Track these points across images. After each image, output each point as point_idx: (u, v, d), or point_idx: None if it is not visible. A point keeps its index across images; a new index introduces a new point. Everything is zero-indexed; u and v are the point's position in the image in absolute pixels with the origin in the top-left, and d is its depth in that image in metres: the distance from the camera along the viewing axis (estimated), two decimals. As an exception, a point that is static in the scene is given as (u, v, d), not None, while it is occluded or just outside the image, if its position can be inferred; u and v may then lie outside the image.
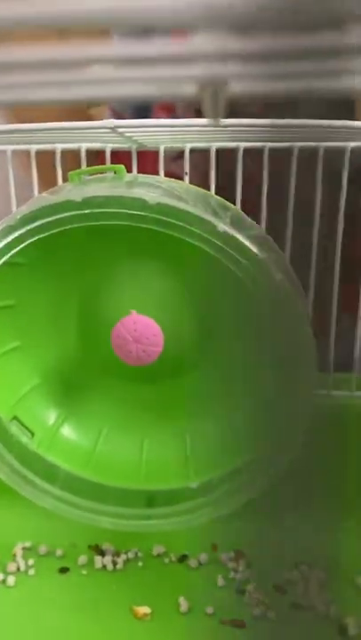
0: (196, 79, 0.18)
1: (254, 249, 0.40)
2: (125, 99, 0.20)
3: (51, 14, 0.18)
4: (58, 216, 0.41)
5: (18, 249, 0.42)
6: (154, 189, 0.42)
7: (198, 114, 0.72)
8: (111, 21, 0.19)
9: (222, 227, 0.40)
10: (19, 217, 0.41)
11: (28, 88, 0.22)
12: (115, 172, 0.44)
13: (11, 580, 0.52)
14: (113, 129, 0.43)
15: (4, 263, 0.43)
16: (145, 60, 0.19)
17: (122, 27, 0.19)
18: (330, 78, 0.18)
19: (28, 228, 0.41)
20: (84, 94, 0.22)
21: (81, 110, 0.86)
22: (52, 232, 0.42)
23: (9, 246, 0.42)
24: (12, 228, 0.42)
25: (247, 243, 0.40)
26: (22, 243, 0.42)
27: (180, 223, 0.40)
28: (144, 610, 0.48)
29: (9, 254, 0.42)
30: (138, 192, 0.40)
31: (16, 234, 0.42)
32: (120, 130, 0.44)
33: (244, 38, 0.18)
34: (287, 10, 0.17)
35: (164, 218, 0.40)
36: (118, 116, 0.70)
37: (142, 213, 0.40)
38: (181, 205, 0.40)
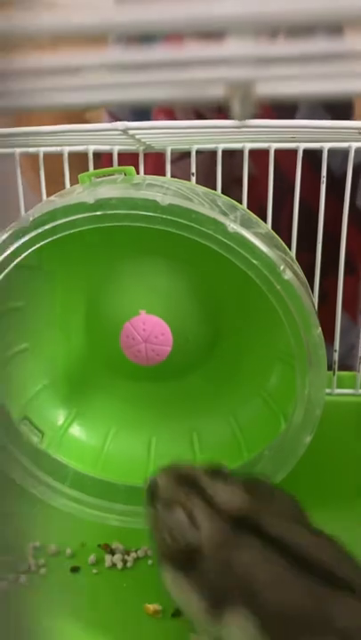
0: (225, 81, 0.18)
1: (263, 248, 0.41)
2: (150, 102, 0.21)
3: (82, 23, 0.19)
4: (69, 218, 0.41)
5: (29, 251, 0.43)
6: (164, 190, 0.42)
7: (199, 116, 0.72)
8: (138, 28, 0.19)
9: (232, 226, 0.40)
10: (30, 219, 0.42)
11: (43, 92, 0.22)
12: (124, 174, 0.44)
13: (22, 579, 0.52)
14: (124, 131, 0.44)
15: (14, 266, 0.44)
16: (173, 63, 0.19)
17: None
18: (354, 80, 0.18)
19: (40, 230, 0.42)
20: (108, 98, 0.22)
21: (77, 114, 0.87)
22: (63, 234, 0.42)
23: (21, 249, 0.43)
24: (23, 231, 0.42)
25: (256, 242, 0.41)
26: (34, 245, 0.43)
27: (191, 223, 0.41)
28: (155, 607, 0.49)
29: (21, 257, 0.43)
30: (149, 193, 0.40)
31: (28, 237, 0.42)
32: (130, 132, 0.44)
33: (271, 41, 0.18)
34: (313, 13, 0.17)
35: (175, 218, 0.40)
36: (116, 118, 0.70)
37: (154, 214, 0.40)
38: (192, 206, 0.40)
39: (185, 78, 0.20)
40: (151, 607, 0.49)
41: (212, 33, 0.18)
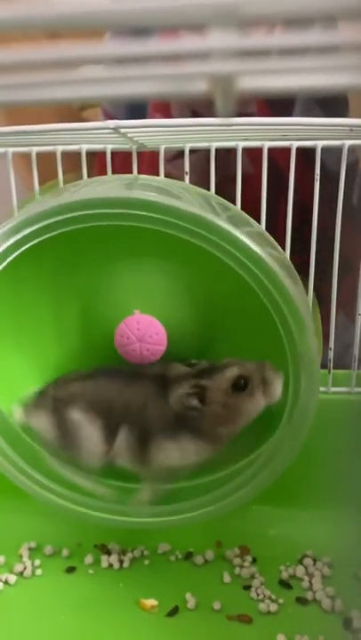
0: (207, 76, 0.18)
1: (255, 247, 0.41)
2: (136, 97, 0.20)
3: (61, 14, 0.18)
4: (61, 217, 0.41)
5: (21, 250, 0.43)
6: (155, 190, 0.42)
7: (195, 114, 0.72)
8: (122, 21, 0.19)
9: (223, 226, 0.40)
10: (22, 219, 0.42)
11: (29, 88, 0.22)
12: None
13: (18, 580, 0.52)
14: (115, 129, 0.44)
15: (7, 264, 0.44)
16: (155, 57, 0.19)
17: (131, 26, 0.19)
18: (340, 74, 0.18)
19: (32, 229, 0.42)
20: (94, 93, 0.22)
21: (72, 113, 0.87)
22: (55, 233, 0.42)
23: (12, 248, 0.42)
24: (15, 230, 0.42)
25: (248, 241, 0.41)
26: (26, 244, 0.43)
27: (182, 223, 0.40)
28: (151, 602, 0.49)
29: (13, 255, 0.43)
30: (140, 193, 0.40)
31: (19, 235, 0.42)
32: (122, 130, 0.44)
33: (253, 34, 0.18)
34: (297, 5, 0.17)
35: (167, 218, 0.40)
36: (111, 117, 0.70)
37: (145, 214, 0.40)
38: (183, 205, 0.40)
39: (168, 72, 0.20)
40: (147, 603, 0.49)
41: (194, 25, 0.18)
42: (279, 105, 0.69)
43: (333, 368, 0.56)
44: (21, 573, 0.53)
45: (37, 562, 0.54)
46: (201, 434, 0.45)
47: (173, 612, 0.48)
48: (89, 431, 0.47)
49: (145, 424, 0.46)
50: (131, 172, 0.54)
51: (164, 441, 0.45)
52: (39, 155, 0.54)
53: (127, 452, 0.47)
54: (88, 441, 0.47)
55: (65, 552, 0.55)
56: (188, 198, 0.43)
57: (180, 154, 0.53)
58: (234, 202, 0.51)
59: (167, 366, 0.47)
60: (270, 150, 0.52)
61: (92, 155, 0.57)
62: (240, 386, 0.44)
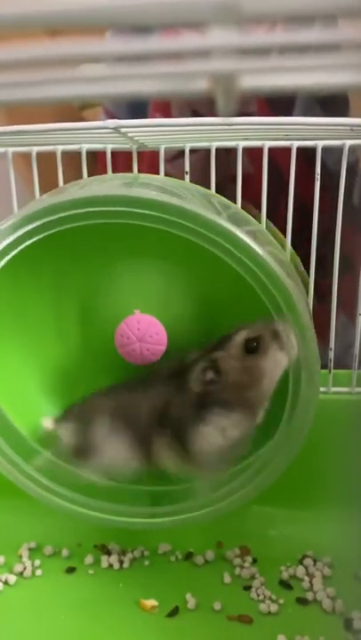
0: (208, 74, 0.18)
1: (256, 246, 0.41)
2: (137, 95, 0.20)
3: (62, 11, 0.18)
4: (60, 215, 0.41)
5: (20, 248, 0.43)
6: (156, 189, 0.42)
7: (195, 114, 0.72)
8: (123, 19, 0.19)
9: (224, 224, 0.40)
10: (21, 216, 0.41)
11: (29, 87, 0.22)
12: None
13: (18, 580, 0.52)
14: (116, 129, 0.44)
15: (6, 262, 0.44)
16: (156, 55, 0.19)
17: (131, 24, 0.19)
18: (341, 72, 0.18)
19: (31, 227, 0.42)
20: (95, 91, 0.22)
21: (73, 112, 0.87)
22: (54, 231, 0.42)
23: (12, 245, 0.42)
24: (14, 228, 0.42)
25: (248, 240, 0.41)
26: (25, 242, 0.42)
27: (183, 222, 0.40)
28: (152, 603, 0.49)
29: (12, 254, 0.43)
30: (140, 191, 0.40)
31: (19, 233, 0.42)
32: (122, 130, 0.44)
33: (254, 33, 0.18)
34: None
35: (167, 217, 0.40)
36: (112, 117, 0.70)
37: (145, 212, 0.40)
38: (183, 204, 0.40)
39: (169, 71, 0.20)
40: (148, 603, 0.49)
41: (195, 23, 0.18)
42: (280, 104, 0.69)
43: (334, 368, 0.56)
44: (21, 574, 0.53)
45: (37, 562, 0.54)
46: (231, 405, 0.44)
47: (174, 612, 0.48)
48: (118, 445, 0.47)
49: (174, 421, 0.45)
50: (131, 172, 0.54)
51: (198, 428, 0.45)
52: (39, 154, 0.53)
53: (169, 456, 0.46)
54: (118, 455, 0.47)
55: (65, 552, 0.55)
56: (189, 197, 0.43)
57: (181, 153, 0.53)
58: (234, 202, 0.51)
59: (183, 356, 0.47)
60: (271, 150, 0.52)
61: (93, 155, 0.57)
62: (252, 348, 0.43)
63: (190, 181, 0.52)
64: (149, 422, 0.46)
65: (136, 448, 0.47)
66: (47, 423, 0.49)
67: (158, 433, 0.46)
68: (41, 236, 0.42)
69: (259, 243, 0.41)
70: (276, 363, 0.43)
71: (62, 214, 0.41)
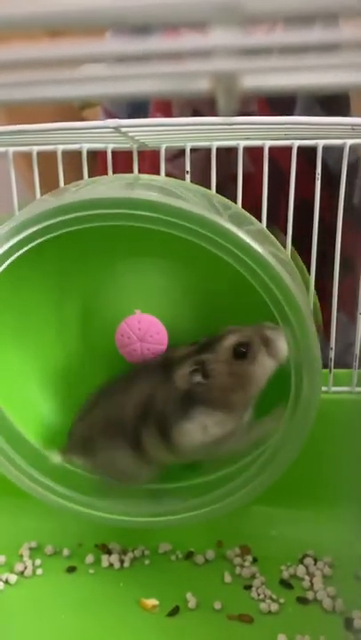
0: (209, 74, 0.18)
1: (256, 246, 0.41)
2: (138, 95, 0.20)
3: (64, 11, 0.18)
4: (62, 218, 0.41)
5: (23, 251, 0.43)
6: (156, 190, 0.42)
7: (196, 113, 0.72)
8: (124, 18, 0.19)
9: (225, 225, 0.40)
10: (23, 219, 0.41)
11: (29, 87, 0.22)
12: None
13: (19, 580, 0.52)
14: (116, 129, 0.44)
15: (8, 265, 0.43)
16: (157, 55, 0.19)
17: (132, 24, 0.19)
18: (342, 72, 0.18)
19: (33, 230, 0.42)
20: (96, 91, 0.22)
21: (73, 112, 0.87)
22: (56, 234, 0.42)
23: (14, 248, 0.42)
24: (16, 230, 0.42)
25: (249, 240, 0.40)
26: (27, 245, 0.42)
27: (184, 222, 0.40)
28: (152, 602, 0.49)
29: (14, 256, 0.43)
30: (142, 193, 0.40)
31: (21, 236, 0.42)
32: (123, 130, 0.44)
33: (255, 32, 0.18)
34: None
35: (168, 218, 0.40)
36: (111, 117, 0.70)
37: (147, 214, 0.40)
38: (184, 205, 0.40)
39: (170, 71, 0.20)
40: (149, 602, 0.49)
41: (196, 23, 0.18)
42: (280, 104, 0.69)
43: (334, 367, 0.56)
44: (22, 573, 0.53)
45: (38, 561, 0.54)
46: (215, 405, 0.44)
47: (174, 611, 0.48)
48: (121, 456, 0.48)
49: (159, 415, 0.45)
50: (132, 172, 0.54)
51: (181, 424, 0.45)
52: (40, 154, 0.53)
53: (158, 448, 0.46)
54: (126, 466, 0.48)
55: (65, 552, 0.55)
56: (189, 197, 0.43)
57: (181, 153, 0.53)
58: (235, 201, 0.51)
59: (171, 350, 0.47)
60: (271, 149, 0.52)
61: (93, 155, 0.57)
62: (241, 353, 0.43)
63: (191, 181, 0.52)
64: (136, 417, 0.46)
65: (130, 448, 0.47)
66: (56, 459, 0.49)
67: (145, 426, 0.46)
68: (43, 238, 0.42)
69: (260, 242, 0.41)
70: (263, 369, 0.44)
71: (63, 217, 0.41)
